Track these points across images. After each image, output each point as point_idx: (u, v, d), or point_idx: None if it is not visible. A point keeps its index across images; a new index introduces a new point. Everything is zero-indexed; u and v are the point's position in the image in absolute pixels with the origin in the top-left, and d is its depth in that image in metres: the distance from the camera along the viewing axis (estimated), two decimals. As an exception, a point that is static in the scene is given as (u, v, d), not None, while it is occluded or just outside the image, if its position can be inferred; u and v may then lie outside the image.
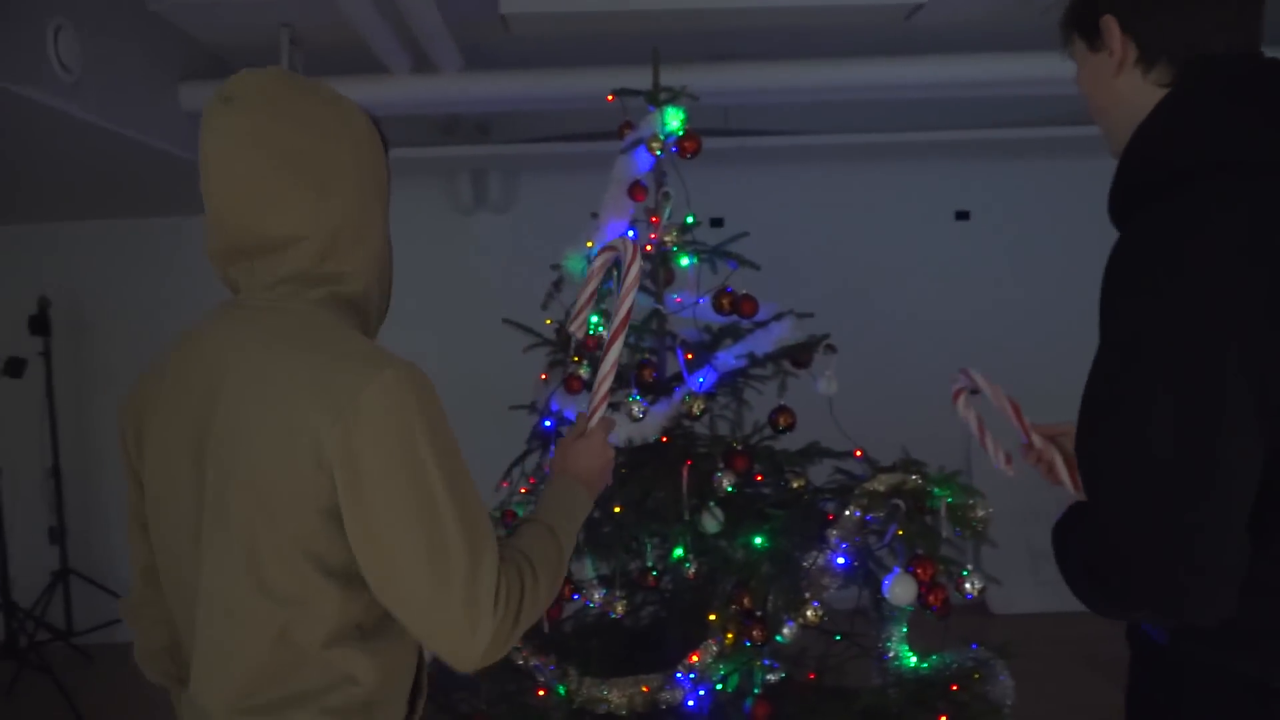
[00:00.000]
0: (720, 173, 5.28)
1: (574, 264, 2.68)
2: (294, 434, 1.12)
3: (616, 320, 1.59)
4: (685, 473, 2.50)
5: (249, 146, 1.18)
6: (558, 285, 2.81)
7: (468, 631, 1.12)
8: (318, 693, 1.17)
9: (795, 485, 2.58)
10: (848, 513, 2.35)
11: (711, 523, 2.48)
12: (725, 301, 2.57)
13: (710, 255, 2.64)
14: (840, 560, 2.33)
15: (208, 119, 1.20)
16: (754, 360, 2.59)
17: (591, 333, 2.57)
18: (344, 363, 1.14)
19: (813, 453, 2.70)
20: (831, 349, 2.56)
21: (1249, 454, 1.10)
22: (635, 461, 2.60)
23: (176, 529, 1.23)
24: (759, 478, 2.61)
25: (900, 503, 2.30)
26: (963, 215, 5.57)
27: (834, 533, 2.35)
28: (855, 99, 4.28)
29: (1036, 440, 1.55)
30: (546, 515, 1.36)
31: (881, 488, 2.38)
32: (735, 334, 2.82)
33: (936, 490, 2.37)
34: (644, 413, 2.45)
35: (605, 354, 1.60)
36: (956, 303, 5.44)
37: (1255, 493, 1.11)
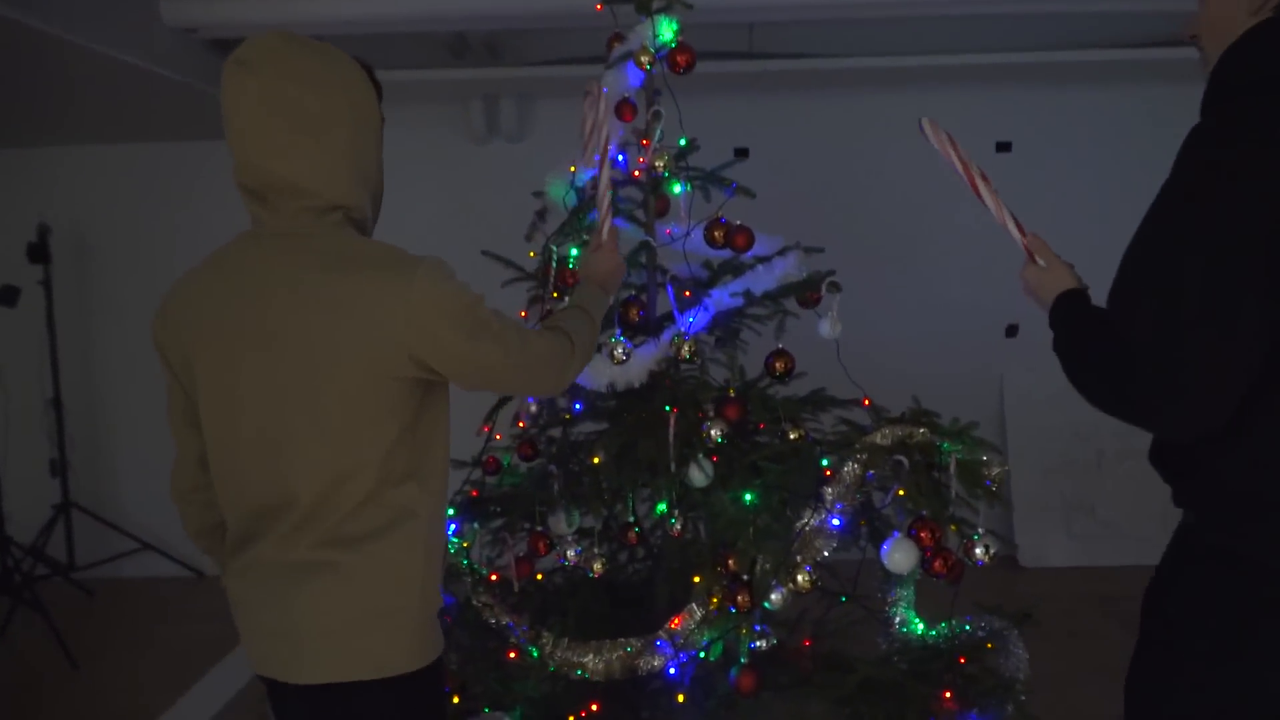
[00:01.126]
0: (745, 100, 4.98)
1: (557, 190, 2.45)
2: (369, 324, 1.40)
3: (600, 141, 2.15)
4: (672, 421, 2.28)
5: (259, 104, 1.42)
6: (541, 215, 2.58)
7: (544, 379, 1.65)
8: (387, 526, 1.48)
9: (793, 436, 2.36)
10: (846, 469, 2.13)
11: (699, 476, 2.27)
12: (718, 233, 2.33)
13: (704, 182, 2.39)
14: (836, 522, 2.11)
15: (225, 80, 1.44)
16: (751, 299, 2.35)
17: (572, 266, 2.35)
18: (387, 265, 1.43)
19: (816, 401, 2.47)
20: (836, 286, 2.31)
21: (1262, 311, 1.31)
22: (618, 408, 2.39)
23: (242, 421, 1.46)
24: (761, 426, 2.39)
25: (903, 459, 2.07)
26: (1004, 146, 5.22)
27: (830, 491, 2.13)
28: (888, 15, 3.96)
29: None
30: (574, 300, 1.88)
31: (885, 441, 2.15)
32: (736, 271, 2.58)
33: (945, 445, 2.13)
34: (628, 354, 2.23)
35: (599, 173, 2.13)
36: (992, 242, 5.12)
37: (1261, 352, 1.32)
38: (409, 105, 4.95)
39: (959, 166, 1.88)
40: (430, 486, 1.55)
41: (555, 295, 2.38)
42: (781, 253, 2.49)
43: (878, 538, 2.21)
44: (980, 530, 2.09)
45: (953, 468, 2.10)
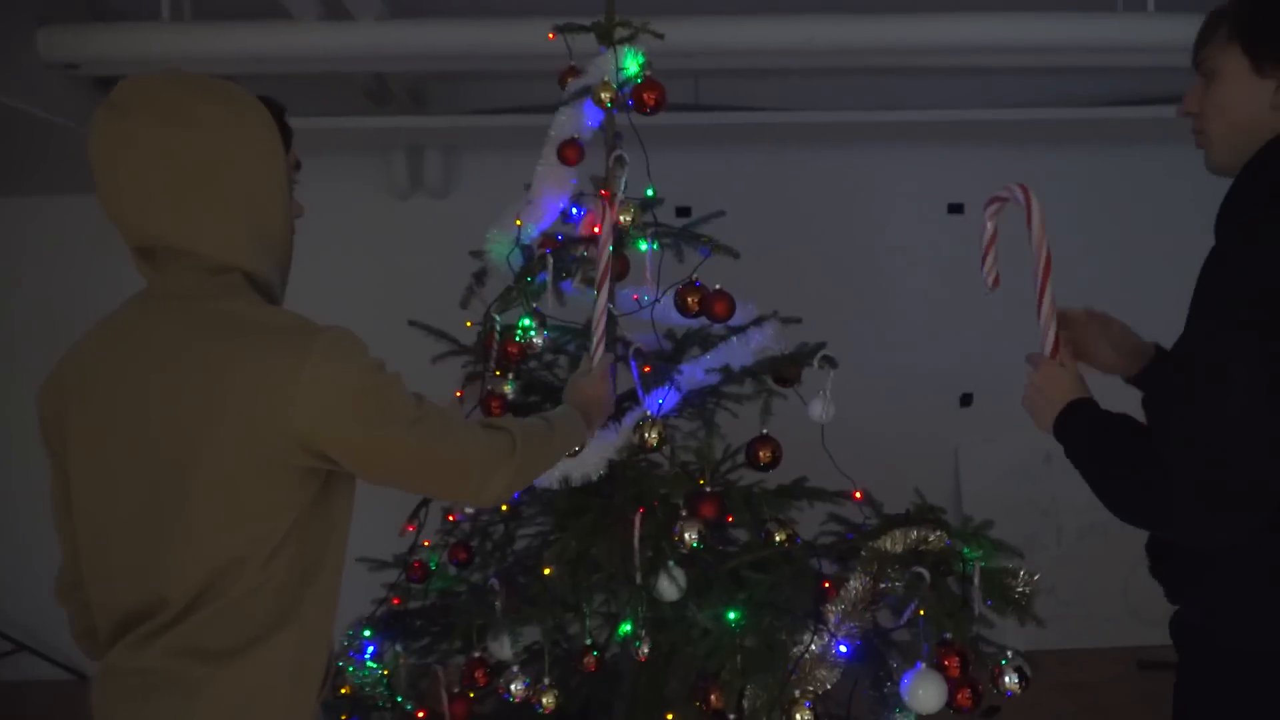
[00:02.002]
0: (687, 155, 4.69)
1: (499, 250, 2.08)
2: (254, 403, 1.22)
3: (600, 268, 1.94)
4: (637, 522, 1.92)
5: (131, 152, 1.25)
6: (480, 278, 2.21)
7: (461, 485, 1.42)
8: (256, 638, 1.27)
9: (780, 538, 2.00)
10: (853, 582, 1.77)
11: (670, 588, 1.90)
12: (692, 299, 1.98)
13: (675, 239, 2.05)
14: (843, 647, 1.75)
15: (93, 126, 1.26)
16: (729, 375, 2.01)
17: (519, 339, 1.98)
18: (281, 335, 1.26)
19: (799, 493, 2.12)
20: (830, 362, 1.98)
21: None
22: (573, 507, 2.01)
23: (115, 509, 1.29)
24: (729, 519, 2.04)
25: (924, 571, 1.73)
26: (956, 208, 5.01)
27: (834, 609, 1.77)
28: (843, 66, 3.71)
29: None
30: (543, 414, 1.66)
31: (896, 548, 1.80)
32: (704, 342, 2.24)
33: (967, 552, 1.80)
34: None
35: (597, 298, 1.93)
36: (946, 306, 4.88)
37: None
38: (324, 155, 4.57)
39: (1039, 243, 1.66)
40: (318, 590, 1.35)
41: (498, 373, 2.00)
42: (758, 322, 2.16)
43: (882, 663, 1.86)
44: (1009, 653, 1.75)
45: (976, 578, 1.77)
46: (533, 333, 1.99)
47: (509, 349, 1.96)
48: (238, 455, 1.24)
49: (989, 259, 1.76)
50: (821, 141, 4.74)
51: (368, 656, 2.07)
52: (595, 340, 1.90)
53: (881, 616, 1.81)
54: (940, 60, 3.65)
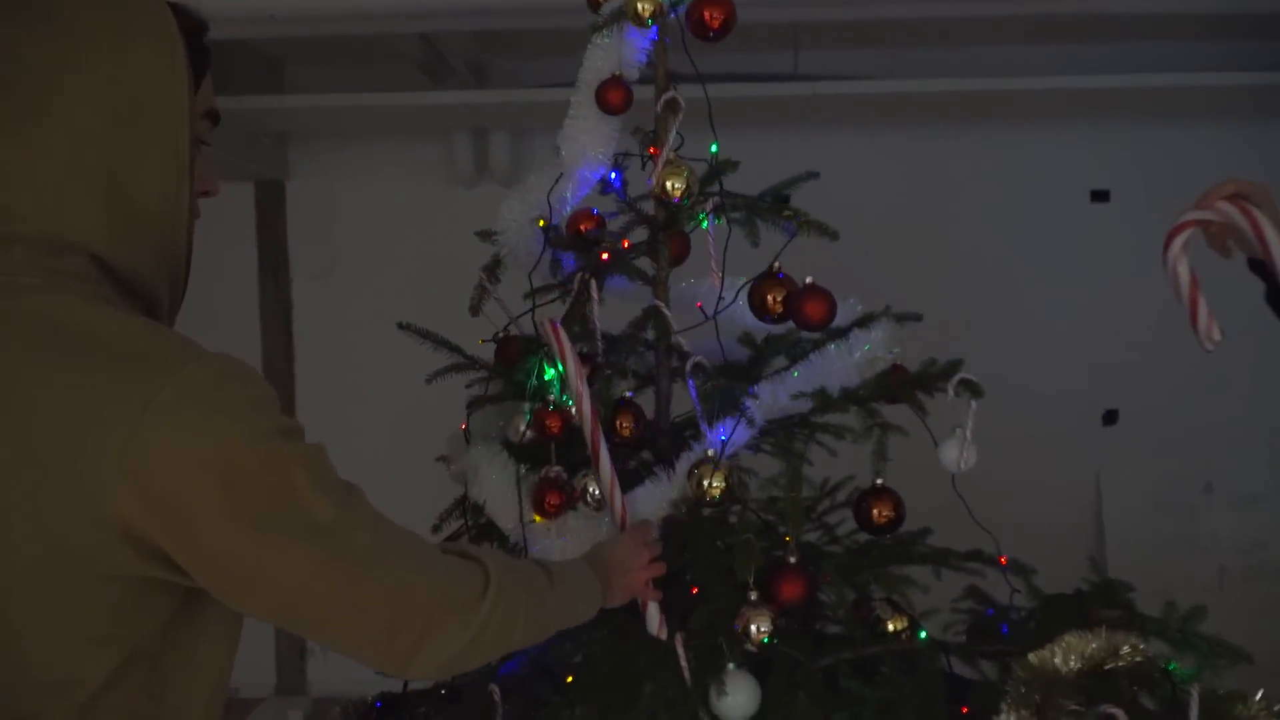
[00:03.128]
0: (785, 136, 4.11)
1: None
2: (63, 467, 0.81)
3: (585, 419, 1.43)
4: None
5: None
6: (492, 271, 1.69)
7: (385, 641, 0.91)
8: None
9: (894, 627, 1.44)
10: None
11: (734, 701, 1.35)
12: (773, 297, 1.44)
13: (747, 214, 1.50)
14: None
15: None
16: (825, 401, 1.45)
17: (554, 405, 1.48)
18: (124, 365, 0.83)
19: (918, 555, 1.55)
20: (974, 388, 1.41)
21: None
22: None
23: None
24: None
25: (1117, 713, 1.14)
26: (1100, 195, 4.34)
27: (976, 754, 1.20)
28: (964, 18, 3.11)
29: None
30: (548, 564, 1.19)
31: (1070, 664, 1.22)
32: (791, 351, 1.69)
33: (1172, 666, 1.22)
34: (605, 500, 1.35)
35: (595, 464, 1.43)
36: (1086, 311, 4.21)
37: None
38: (379, 140, 4.16)
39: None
40: None
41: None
42: (864, 323, 1.60)
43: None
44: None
45: (1194, 710, 1.18)
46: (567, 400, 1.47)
47: (548, 423, 1.45)
48: (33, 550, 0.83)
49: (1199, 311, 1.28)
50: (935, 118, 4.12)
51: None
52: (614, 511, 1.43)
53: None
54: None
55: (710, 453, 1.43)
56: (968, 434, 1.40)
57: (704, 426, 1.49)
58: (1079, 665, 1.21)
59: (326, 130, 4.22)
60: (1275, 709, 1.24)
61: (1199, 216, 1.27)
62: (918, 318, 1.71)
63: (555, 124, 1.60)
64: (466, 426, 1.59)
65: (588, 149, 1.55)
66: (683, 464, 1.46)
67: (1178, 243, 1.27)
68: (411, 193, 4.31)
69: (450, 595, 0.95)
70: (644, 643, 1.36)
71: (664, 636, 1.37)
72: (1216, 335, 1.28)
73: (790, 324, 1.59)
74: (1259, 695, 1.22)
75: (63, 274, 0.88)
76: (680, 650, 1.37)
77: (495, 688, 1.39)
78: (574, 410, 1.44)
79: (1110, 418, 4.28)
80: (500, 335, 1.66)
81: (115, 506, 0.80)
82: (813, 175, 1.52)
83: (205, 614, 0.91)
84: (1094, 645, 1.21)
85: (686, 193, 1.47)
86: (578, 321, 1.47)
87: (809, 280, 1.43)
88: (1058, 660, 1.21)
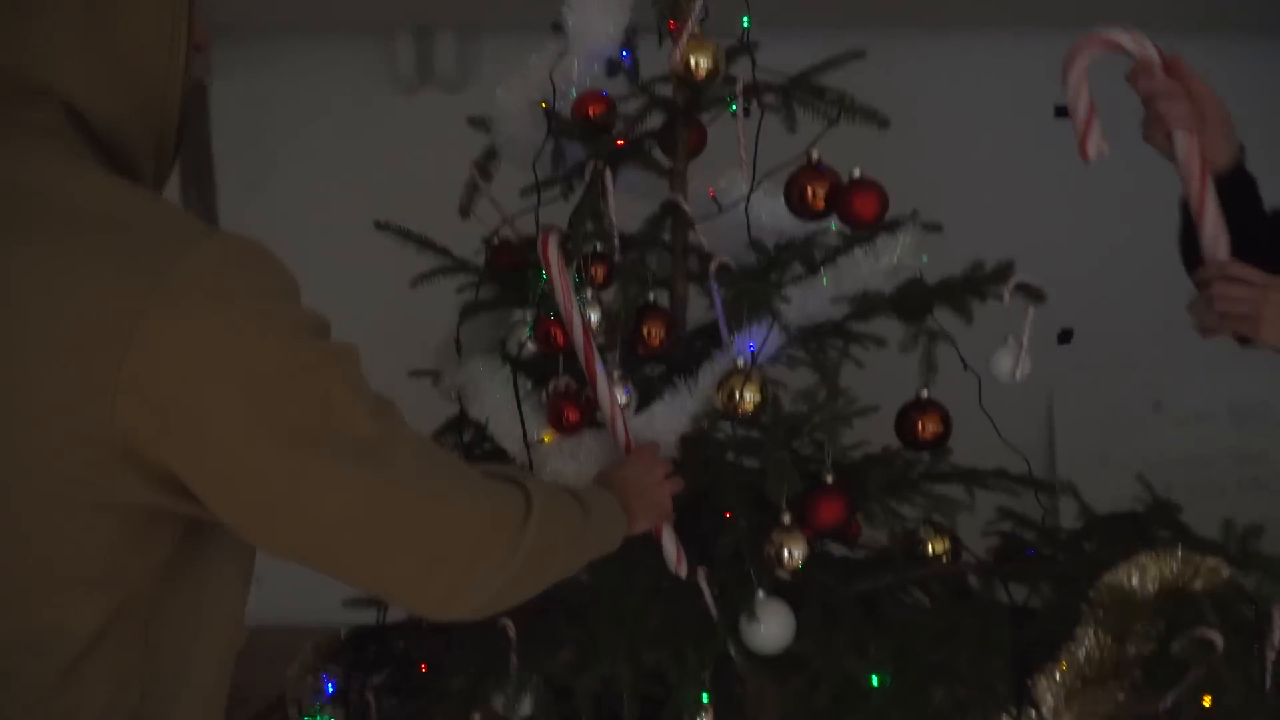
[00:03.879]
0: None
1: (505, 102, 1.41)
2: (41, 385, 0.67)
3: (575, 331, 1.28)
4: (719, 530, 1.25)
5: None
6: (484, 168, 1.52)
7: (429, 579, 0.79)
8: None
9: (936, 549, 1.34)
10: (1088, 641, 1.10)
11: (768, 634, 1.24)
12: (816, 189, 1.29)
13: (785, 97, 1.35)
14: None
15: None
16: (873, 303, 1.33)
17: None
18: (120, 242, 0.68)
19: (951, 475, 1.45)
20: (1035, 292, 1.30)
21: None
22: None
23: None
24: (855, 530, 1.39)
25: (1215, 636, 1.05)
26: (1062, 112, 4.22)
27: (1051, 685, 1.10)
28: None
29: None
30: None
31: (1147, 585, 1.13)
32: (807, 258, 1.56)
33: (1263, 590, 1.15)
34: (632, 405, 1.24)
35: (592, 386, 1.28)
36: (1059, 223, 4.15)
37: None
38: (314, 39, 3.90)
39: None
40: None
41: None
42: (889, 228, 1.47)
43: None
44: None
45: (1278, 632, 1.10)
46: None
47: (553, 332, 1.31)
48: (11, 474, 0.69)
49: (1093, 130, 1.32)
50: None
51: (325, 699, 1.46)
52: (609, 418, 1.28)
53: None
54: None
55: (740, 363, 1.29)
56: (1025, 341, 1.29)
57: (726, 333, 1.36)
58: (1154, 583, 1.13)
59: (253, 23, 3.93)
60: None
61: (1110, 36, 1.29)
62: (939, 228, 1.59)
63: (506, 23, 1.43)
64: (458, 338, 1.44)
65: (597, 20, 1.37)
66: (705, 375, 1.32)
67: (1080, 65, 1.31)
68: (348, 97, 4.07)
69: (499, 521, 0.83)
70: (664, 575, 1.25)
71: (683, 573, 1.26)
72: (1105, 151, 1.31)
73: (811, 226, 1.47)
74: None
75: (26, 125, 0.72)
76: (704, 585, 1.26)
77: (509, 621, 1.25)
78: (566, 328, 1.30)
79: (1065, 336, 4.27)
80: (494, 238, 1.50)
81: (115, 418, 0.66)
82: (857, 54, 1.36)
83: (210, 551, 0.78)
84: (1174, 566, 1.12)
85: (714, 71, 1.31)
86: (590, 217, 1.31)
87: (857, 173, 1.29)
88: (1128, 579, 1.13)
